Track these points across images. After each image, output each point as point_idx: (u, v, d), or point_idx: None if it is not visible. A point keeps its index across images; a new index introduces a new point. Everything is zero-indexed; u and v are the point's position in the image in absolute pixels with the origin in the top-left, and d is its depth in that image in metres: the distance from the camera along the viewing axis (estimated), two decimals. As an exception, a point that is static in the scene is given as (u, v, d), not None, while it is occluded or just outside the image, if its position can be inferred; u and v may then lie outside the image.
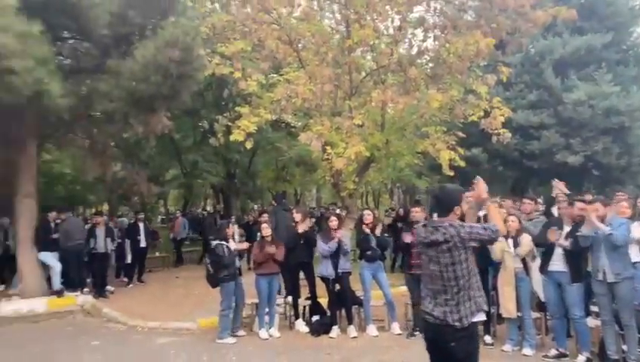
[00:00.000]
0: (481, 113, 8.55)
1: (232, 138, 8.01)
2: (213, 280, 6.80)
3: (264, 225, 7.25)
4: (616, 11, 16.85)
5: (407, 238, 6.56)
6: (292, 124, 16.78)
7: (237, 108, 8.69)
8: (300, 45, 9.27)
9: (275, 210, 9.54)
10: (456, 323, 3.11)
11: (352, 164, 8.46)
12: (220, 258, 6.71)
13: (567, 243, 5.49)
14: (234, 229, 10.52)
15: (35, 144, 9.72)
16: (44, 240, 9.43)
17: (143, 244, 11.80)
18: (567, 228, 5.60)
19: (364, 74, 9.59)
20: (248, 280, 7.28)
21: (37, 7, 7.52)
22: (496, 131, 8.39)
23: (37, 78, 7.12)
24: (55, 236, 9.59)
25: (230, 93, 11.74)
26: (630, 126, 15.49)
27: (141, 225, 11.91)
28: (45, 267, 9.54)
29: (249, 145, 8.32)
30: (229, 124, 8.56)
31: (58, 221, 9.95)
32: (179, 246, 15.32)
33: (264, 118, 8.18)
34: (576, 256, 5.50)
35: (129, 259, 11.71)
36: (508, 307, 5.86)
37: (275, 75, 10.74)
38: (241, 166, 18.60)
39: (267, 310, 6.99)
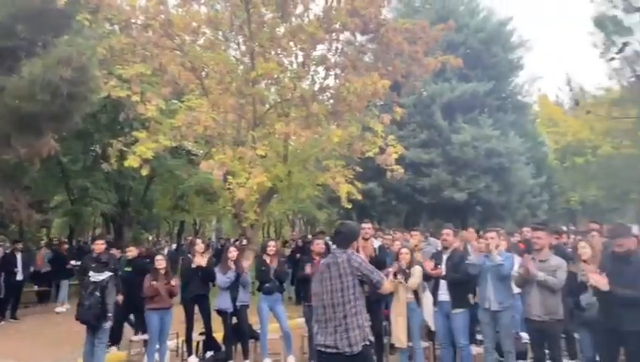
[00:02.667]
0: (377, 150, 8.95)
1: (126, 164, 7.65)
2: (92, 317, 5.95)
3: (158, 257, 6.93)
4: (497, 62, 18.77)
5: (308, 269, 6.60)
6: (193, 152, 16.40)
7: (133, 133, 8.34)
8: (203, 73, 9.18)
9: None
10: (347, 350, 3.21)
11: (254, 195, 8.42)
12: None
13: (432, 269, 5.86)
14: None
15: None
16: None
17: (19, 277, 10.72)
18: (445, 257, 5.98)
19: (268, 106, 9.70)
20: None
21: None
22: (390, 167, 8.80)
23: None
24: None
25: (127, 117, 11.26)
26: (509, 167, 17.10)
27: (18, 256, 10.84)
28: None
29: (145, 171, 7.97)
30: (124, 149, 8.18)
31: None
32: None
33: (162, 144, 7.92)
34: (458, 284, 5.84)
35: (2, 294, 10.56)
36: (400, 337, 6.07)
37: (176, 101, 10.50)
38: (135, 194, 17.72)
39: (158, 346, 6.62)
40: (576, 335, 5.88)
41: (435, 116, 17.23)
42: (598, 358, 5.04)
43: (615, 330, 4.52)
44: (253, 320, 7.05)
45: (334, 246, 3.65)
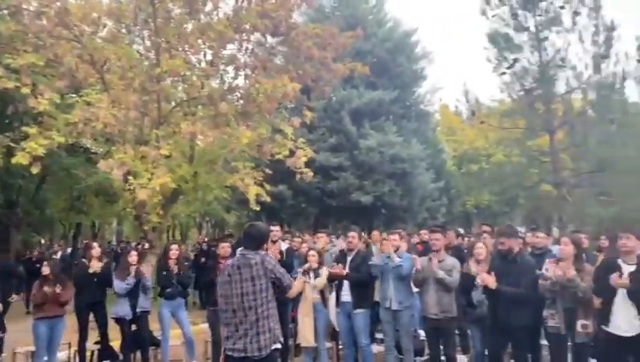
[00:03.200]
0: (287, 152, 8.96)
1: (13, 161, 7.02)
2: None
3: (45, 263, 6.44)
4: (402, 72, 19.62)
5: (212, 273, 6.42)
6: (92, 150, 15.43)
7: (23, 128, 7.67)
8: (104, 67, 8.67)
9: None
10: (255, 354, 3.16)
11: (156, 196, 8.08)
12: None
13: (338, 270, 6.00)
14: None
15: None
16: None
17: None
18: (349, 259, 6.14)
19: (173, 104, 9.36)
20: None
21: None
22: (299, 170, 8.86)
23: None
24: None
25: (15, 110, 10.35)
26: (411, 172, 17.93)
27: None
28: None
29: (35, 170, 7.35)
30: (12, 145, 7.50)
31: None
32: None
33: (56, 140, 7.36)
34: (360, 284, 5.99)
35: None
36: (307, 336, 6.10)
37: (74, 96, 9.82)
38: (25, 193, 16.33)
39: (46, 358, 6.14)
40: (468, 331, 6.27)
41: (344, 121, 17.64)
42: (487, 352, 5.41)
43: (503, 326, 4.88)
44: (154, 326, 6.77)
45: (241, 249, 3.57)
